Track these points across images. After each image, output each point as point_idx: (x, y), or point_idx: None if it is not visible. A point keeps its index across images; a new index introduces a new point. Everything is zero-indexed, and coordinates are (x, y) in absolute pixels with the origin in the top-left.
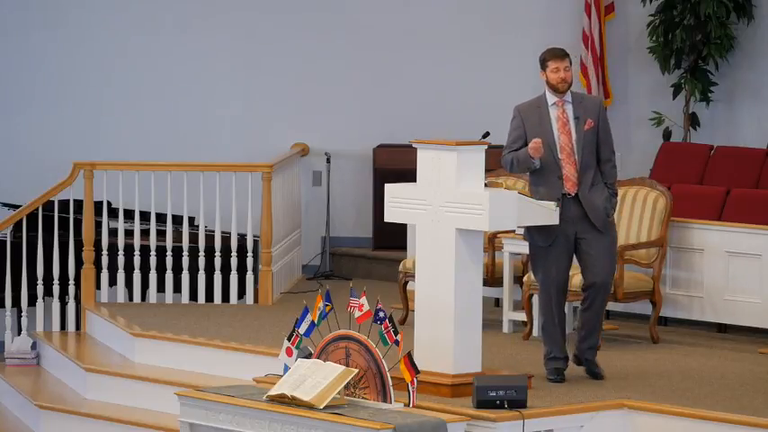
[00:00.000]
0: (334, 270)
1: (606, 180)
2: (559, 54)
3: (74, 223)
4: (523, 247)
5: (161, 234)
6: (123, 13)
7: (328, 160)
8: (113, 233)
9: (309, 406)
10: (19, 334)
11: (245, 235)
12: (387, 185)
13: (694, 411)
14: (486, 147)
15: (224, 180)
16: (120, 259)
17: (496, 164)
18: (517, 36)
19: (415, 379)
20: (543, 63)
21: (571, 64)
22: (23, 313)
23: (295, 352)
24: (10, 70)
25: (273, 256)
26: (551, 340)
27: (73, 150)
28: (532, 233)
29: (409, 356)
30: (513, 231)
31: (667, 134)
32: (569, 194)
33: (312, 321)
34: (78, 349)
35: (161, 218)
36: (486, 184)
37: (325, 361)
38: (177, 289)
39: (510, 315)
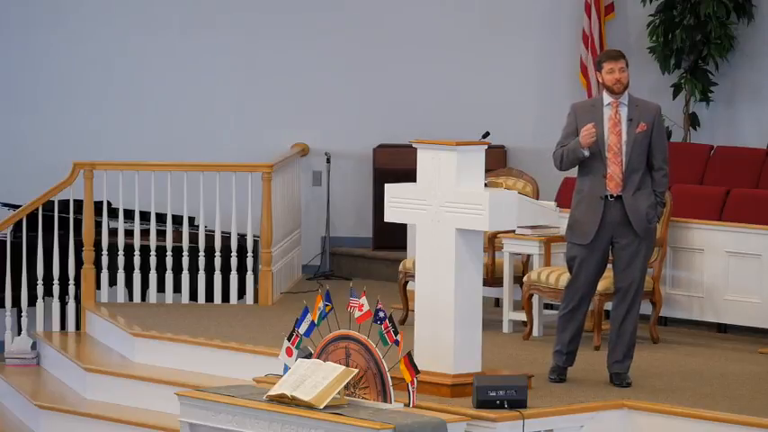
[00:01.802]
0: (334, 270)
1: (656, 188)
2: (614, 55)
3: (74, 223)
4: (523, 247)
5: (161, 234)
6: (123, 13)
7: (328, 160)
8: (113, 233)
9: (309, 406)
10: (19, 334)
11: (245, 235)
12: (387, 185)
13: (694, 411)
14: (486, 147)
15: (224, 180)
16: (120, 259)
17: (496, 164)
18: (517, 36)
19: (415, 379)
20: (599, 65)
21: (627, 65)
22: (23, 313)
23: (295, 352)
24: (10, 70)
25: (273, 256)
26: (561, 332)
27: (73, 150)
28: (571, 231)
29: (409, 356)
30: (513, 231)
31: (667, 134)
32: (612, 195)
33: (312, 321)
34: (78, 349)
35: (161, 218)
36: (486, 184)
37: (325, 361)
38: (177, 289)
39: (510, 315)
